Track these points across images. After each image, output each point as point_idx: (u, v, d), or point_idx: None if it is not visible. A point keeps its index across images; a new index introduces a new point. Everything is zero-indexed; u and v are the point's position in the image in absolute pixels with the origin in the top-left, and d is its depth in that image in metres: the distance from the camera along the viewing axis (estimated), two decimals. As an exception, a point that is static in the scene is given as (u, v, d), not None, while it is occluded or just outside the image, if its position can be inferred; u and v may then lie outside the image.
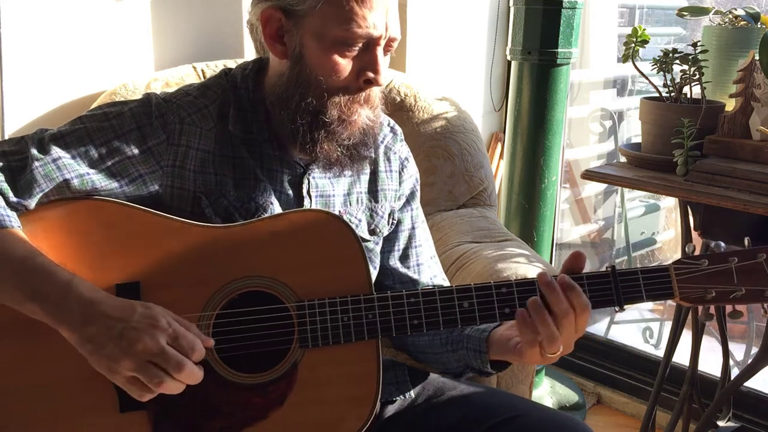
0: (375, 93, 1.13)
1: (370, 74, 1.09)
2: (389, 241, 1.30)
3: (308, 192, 1.19)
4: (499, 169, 2.49)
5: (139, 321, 0.95)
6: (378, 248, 1.28)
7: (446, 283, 1.37)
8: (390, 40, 1.10)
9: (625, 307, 1.06)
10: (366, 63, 1.08)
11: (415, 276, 1.31)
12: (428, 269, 1.33)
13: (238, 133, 1.15)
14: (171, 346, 0.94)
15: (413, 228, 1.32)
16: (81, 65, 1.74)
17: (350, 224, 1.08)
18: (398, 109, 1.90)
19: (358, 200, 1.25)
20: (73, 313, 0.95)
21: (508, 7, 2.28)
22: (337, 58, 1.07)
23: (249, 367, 1.03)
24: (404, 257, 1.31)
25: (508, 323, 1.13)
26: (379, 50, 1.08)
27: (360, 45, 1.07)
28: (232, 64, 1.81)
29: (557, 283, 1.02)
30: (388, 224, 1.28)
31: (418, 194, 1.35)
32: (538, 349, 1.03)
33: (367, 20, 1.04)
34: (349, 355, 1.04)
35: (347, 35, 1.05)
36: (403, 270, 1.30)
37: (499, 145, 2.53)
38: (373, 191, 1.26)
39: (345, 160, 1.13)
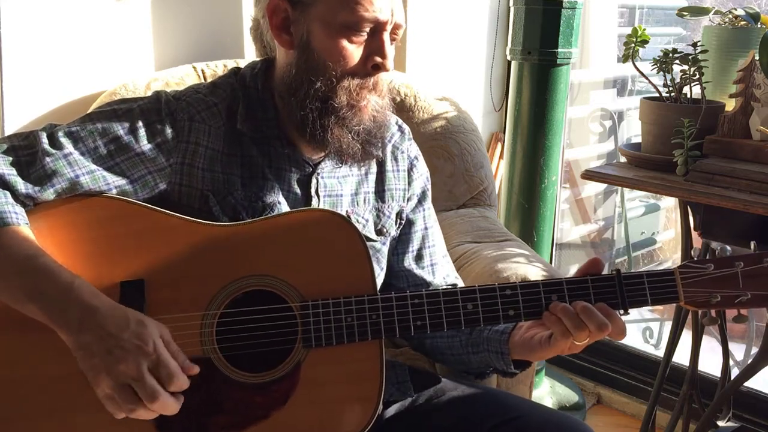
0: (383, 80, 1.14)
1: (378, 59, 1.10)
2: (402, 242, 1.30)
3: (316, 191, 1.19)
4: (499, 169, 2.49)
5: (128, 340, 0.94)
6: (385, 248, 1.27)
7: (459, 281, 1.37)
8: (396, 27, 1.11)
9: (630, 310, 1.06)
10: (374, 49, 1.10)
11: (429, 277, 1.31)
12: (441, 268, 1.33)
13: (247, 130, 1.16)
14: (151, 373, 0.94)
15: (426, 228, 1.32)
16: (81, 65, 1.73)
17: (356, 225, 1.08)
18: (398, 109, 1.90)
19: (365, 200, 1.25)
20: (71, 319, 0.96)
21: (508, 7, 2.28)
22: (344, 43, 1.08)
23: (252, 366, 1.03)
24: (418, 258, 1.31)
25: (525, 325, 1.13)
26: (386, 35, 1.10)
27: (367, 30, 1.09)
28: (232, 64, 1.80)
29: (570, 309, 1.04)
30: (396, 224, 1.28)
31: (429, 193, 1.35)
32: (570, 338, 1.04)
33: (373, 4, 1.07)
34: (352, 355, 1.04)
35: (354, 19, 1.07)
36: (417, 271, 1.30)
37: (499, 145, 2.53)
38: (380, 191, 1.27)
39: (356, 147, 1.13)
